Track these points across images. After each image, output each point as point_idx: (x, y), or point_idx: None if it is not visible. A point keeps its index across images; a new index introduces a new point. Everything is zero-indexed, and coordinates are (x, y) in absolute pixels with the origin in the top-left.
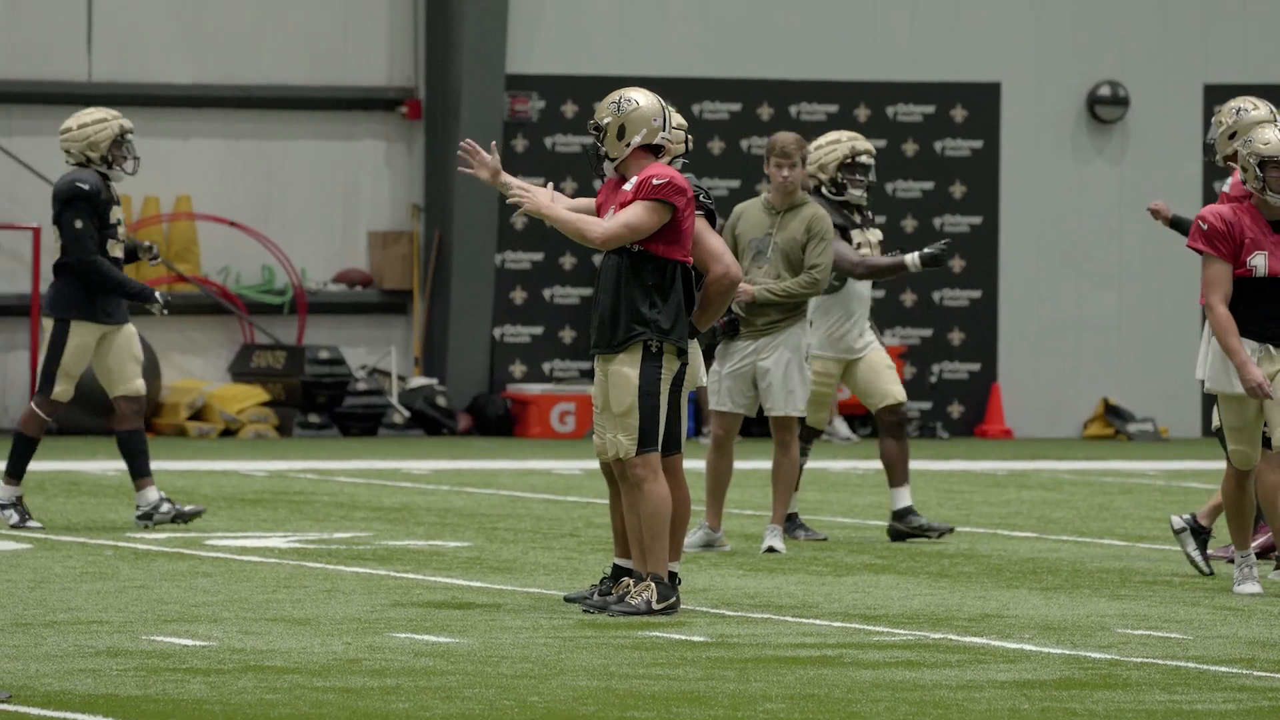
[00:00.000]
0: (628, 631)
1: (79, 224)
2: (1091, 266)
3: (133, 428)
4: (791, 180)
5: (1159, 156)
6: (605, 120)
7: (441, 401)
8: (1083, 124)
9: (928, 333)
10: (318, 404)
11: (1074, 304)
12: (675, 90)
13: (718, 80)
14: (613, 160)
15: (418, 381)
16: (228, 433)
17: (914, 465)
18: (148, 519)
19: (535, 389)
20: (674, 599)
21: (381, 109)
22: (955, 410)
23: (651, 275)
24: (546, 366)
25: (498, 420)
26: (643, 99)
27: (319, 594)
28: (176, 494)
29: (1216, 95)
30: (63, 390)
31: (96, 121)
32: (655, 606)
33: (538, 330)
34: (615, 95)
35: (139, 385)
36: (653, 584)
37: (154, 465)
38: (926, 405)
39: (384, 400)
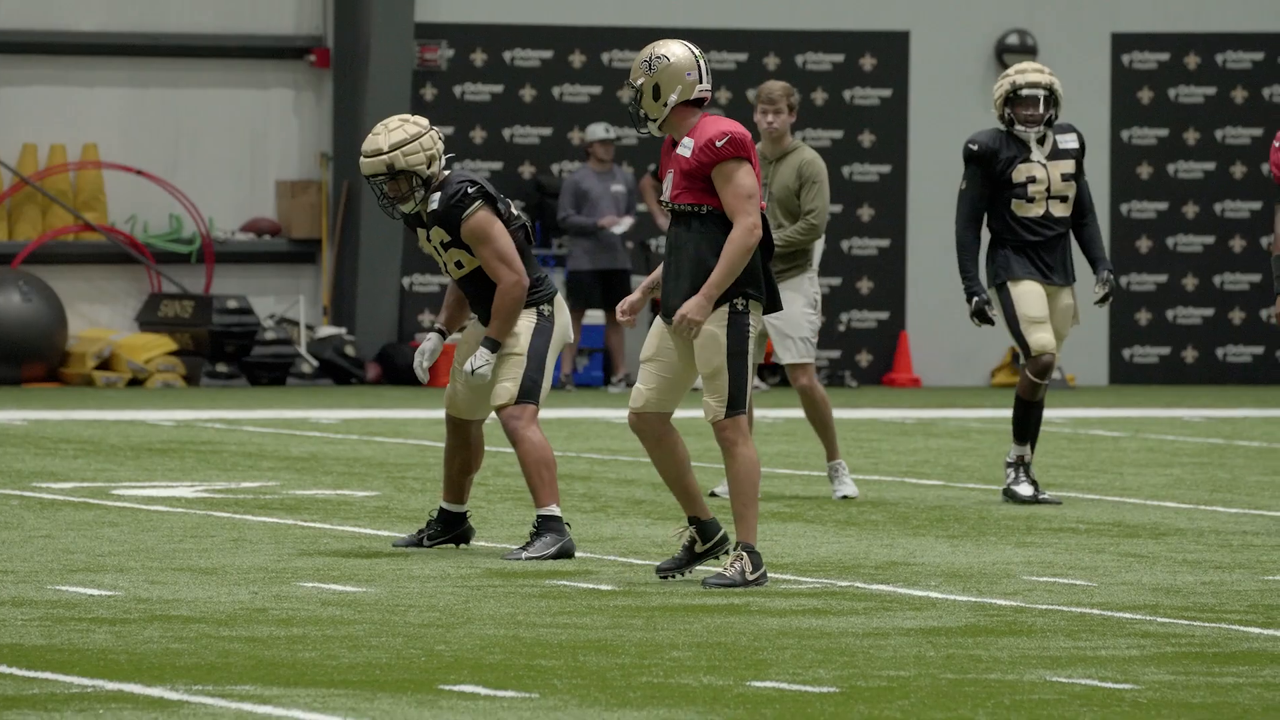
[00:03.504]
0: (535, 580)
1: (963, 184)
2: None
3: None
4: (777, 126)
5: (1067, 104)
6: (639, 81)
7: (350, 351)
8: (991, 72)
9: (837, 281)
10: (226, 353)
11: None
12: (582, 39)
13: (626, 29)
14: (654, 120)
15: (326, 331)
16: (135, 382)
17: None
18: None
19: None
20: (764, 569)
21: (290, 57)
22: (864, 359)
23: (722, 233)
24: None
25: (407, 369)
26: (674, 52)
27: (226, 543)
28: (83, 445)
29: (1124, 44)
30: (1042, 339)
31: (1001, 78)
32: (749, 577)
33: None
34: (647, 52)
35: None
36: (745, 553)
37: (60, 415)
38: (835, 354)
39: (292, 350)
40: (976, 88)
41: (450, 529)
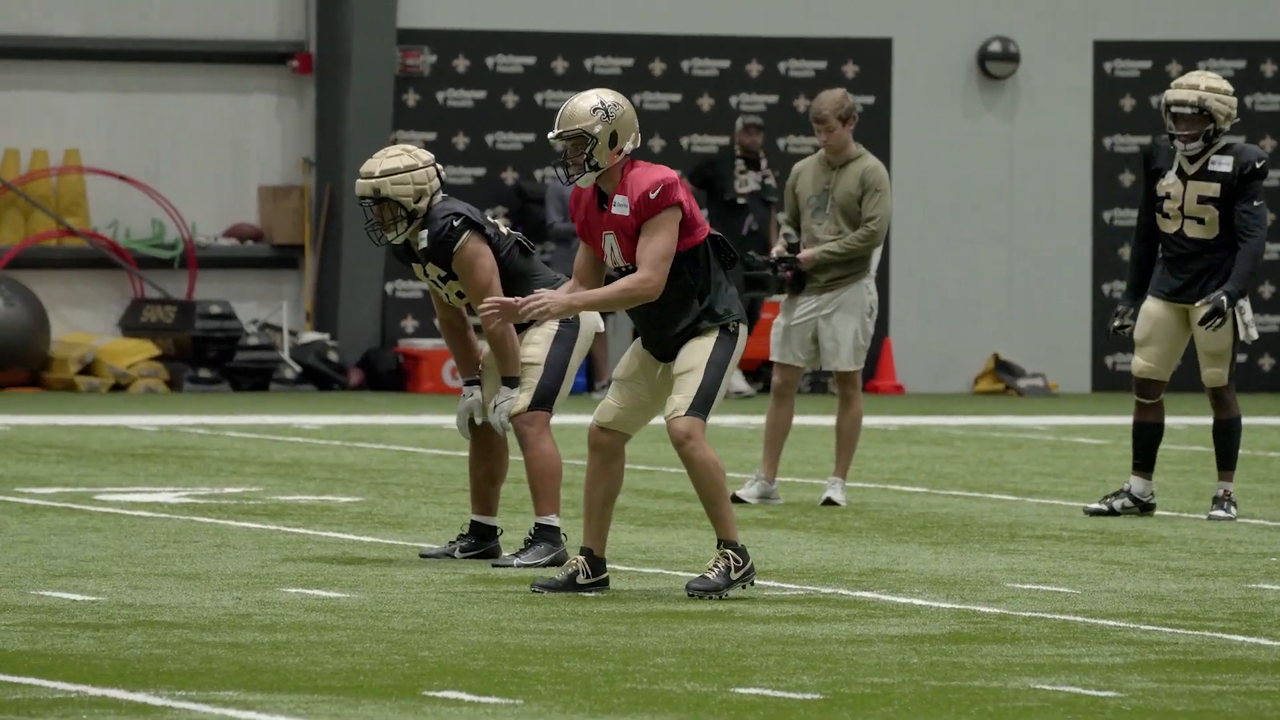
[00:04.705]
0: (518, 586)
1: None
2: (982, 222)
3: (1224, 416)
4: (830, 144)
5: (1049, 112)
6: (597, 129)
7: (333, 356)
8: (974, 80)
9: None
10: (208, 359)
11: (965, 260)
12: (567, 46)
13: (611, 35)
14: (598, 170)
15: (309, 336)
16: (118, 387)
17: (805, 421)
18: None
19: (427, 344)
20: (749, 564)
21: (272, 63)
22: None
23: (689, 275)
24: (438, 321)
25: (389, 375)
26: (622, 101)
27: (209, 549)
28: (65, 450)
29: (1106, 51)
30: (1138, 362)
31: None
32: (734, 576)
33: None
34: (591, 99)
35: (1208, 375)
36: (728, 551)
37: (42, 420)
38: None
39: (275, 355)
40: (959, 95)
41: (483, 542)
